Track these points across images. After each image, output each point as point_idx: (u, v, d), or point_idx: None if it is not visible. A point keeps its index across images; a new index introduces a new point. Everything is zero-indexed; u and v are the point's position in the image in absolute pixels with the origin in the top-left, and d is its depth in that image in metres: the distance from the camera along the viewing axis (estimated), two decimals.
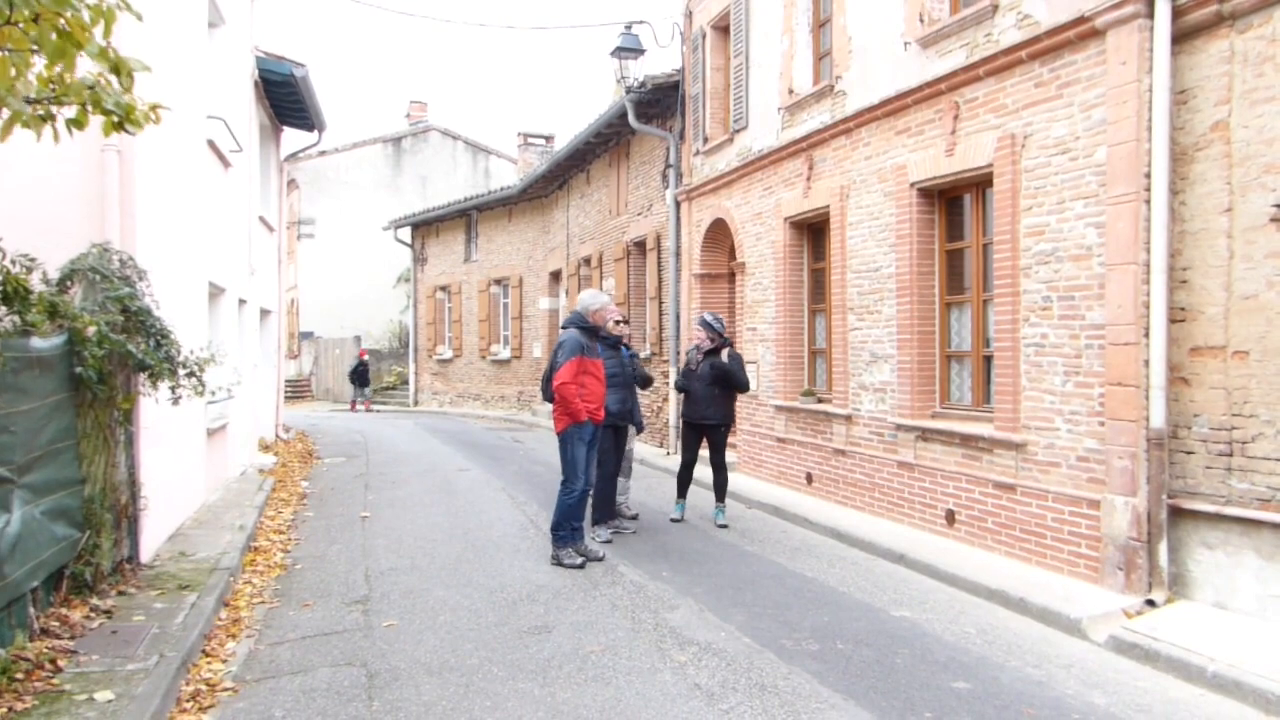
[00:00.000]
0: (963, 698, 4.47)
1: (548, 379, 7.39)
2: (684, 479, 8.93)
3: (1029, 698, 4.48)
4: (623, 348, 8.20)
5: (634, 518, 8.61)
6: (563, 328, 7.43)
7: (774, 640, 5.23)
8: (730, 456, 9.68)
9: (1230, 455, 5.41)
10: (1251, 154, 5.27)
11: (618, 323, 7.98)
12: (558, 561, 6.98)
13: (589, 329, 7.16)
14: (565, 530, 7.03)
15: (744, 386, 8.74)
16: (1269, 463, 5.19)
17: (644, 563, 7.05)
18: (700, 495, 9.39)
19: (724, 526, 8.45)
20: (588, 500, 7.29)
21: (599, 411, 7.08)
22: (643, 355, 15.34)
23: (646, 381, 8.70)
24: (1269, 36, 5.18)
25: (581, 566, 6.86)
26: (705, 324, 8.75)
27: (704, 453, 8.89)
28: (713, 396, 8.54)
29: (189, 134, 8.28)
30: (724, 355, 8.56)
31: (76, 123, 3.30)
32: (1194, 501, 5.61)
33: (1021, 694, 4.54)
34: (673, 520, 8.69)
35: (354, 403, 26.40)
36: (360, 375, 26.35)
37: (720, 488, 8.72)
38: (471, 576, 6.65)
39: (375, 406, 26.49)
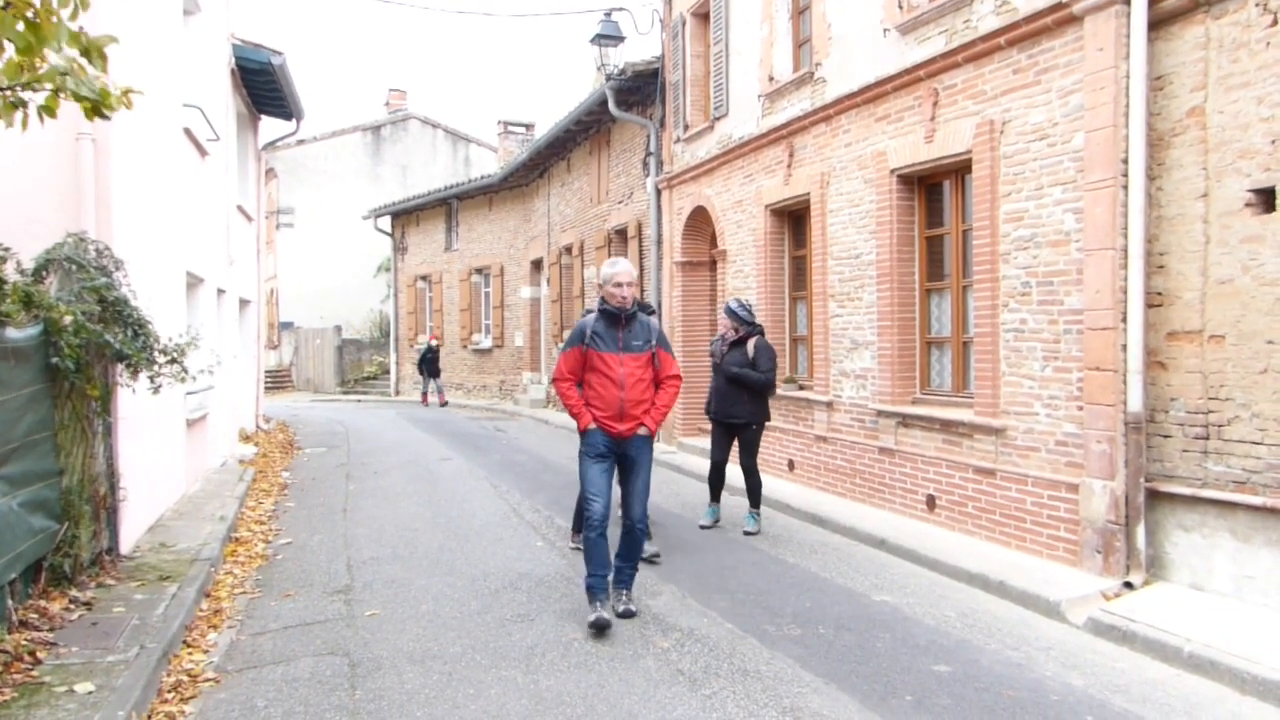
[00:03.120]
0: (943, 680, 4.51)
1: None
2: (714, 481, 7.98)
3: (1008, 680, 4.53)
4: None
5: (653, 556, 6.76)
6: (587, 312, 6.07)
7: (756, 626, 5.26)
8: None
9: (1206, 438, 5.47)
10: (1227, 139, 5.32)
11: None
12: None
13: (611, 312, 5.48)
14: (591, 572, 5.33)
15: (760, 387, 7.65)
16: (1244, 445, 5.25)
17: None
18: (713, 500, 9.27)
19: (752, 534, 7.59)
20: (604, 534, 5.37)
21: (613, 420, 5.37)
22: None
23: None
24: (1244, 22, 5.21)
25: (596, 629, 5.11)
26: (730, 311, 7.80)
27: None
28: (737, 392, 7.66)
29: (165, 122, 8.19)
30: (750, 347, 7.68)
31: (47, 109, 3.26)
32: (1171, 484, 5.67)
33: (1001, 676, 4.59)
34: (701, 527, 7.85)
35: (425, 395, 22.89)
36: (430, 363, 22.69)
37: (752, 492, 7.80)
38: (454, 565, 6.65)
39: (357, 396, 26.31)
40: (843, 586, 6.14)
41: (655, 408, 5.50)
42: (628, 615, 5.36)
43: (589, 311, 6.05)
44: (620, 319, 5.47)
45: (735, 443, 7.85)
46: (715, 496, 8.02)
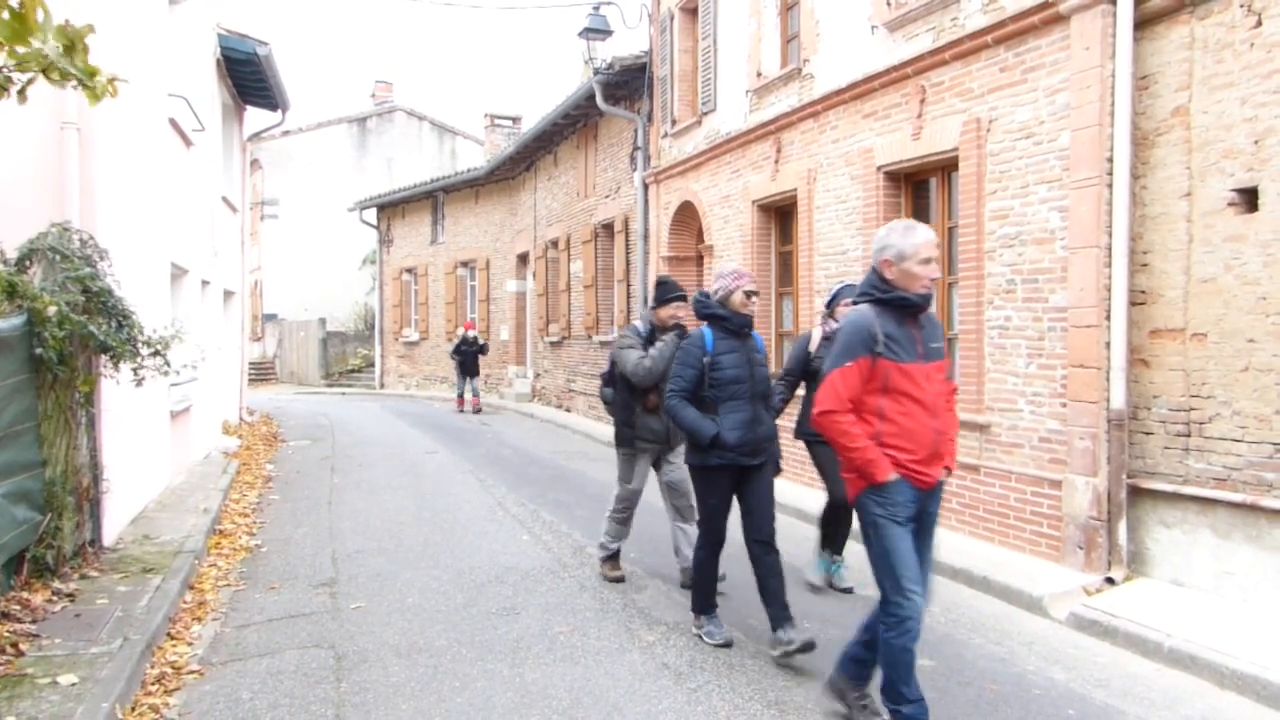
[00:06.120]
0: (927, 675, 4.53)
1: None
2: (835, 522, 5.99)
3: (991, 674, 4.57)
4: (755, 335, 5.08)
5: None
6: (696, 312, 5.01)
7: (742, 620, 5.27)
8: None
9: (1188, 436, 5.52)
10: (1211, 139, 5.36)
11: (748, 295, 4.90)
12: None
13: (906, 303, 3.67)
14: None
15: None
16: (1225, 443, 5.31)
17: None
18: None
19: (851, 591, 5.88)
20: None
21: (924, 465, 3.66)
22: (610, 339, 15.34)
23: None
24: (1228, 23, 5.26)
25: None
26: (837, 298, 5.89)
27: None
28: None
29: (150, 112, 8.13)
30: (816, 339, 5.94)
31: (30, 81, 3.27)
32: (1153, 481, 5.73)
33: (984, 670, 4.63)
34: (815, 587, 5.96)
35: (460, 398, 18.92)
36: (469, 359, 18.65)
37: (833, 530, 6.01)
38: (439, 559, 6.64)
39: (341, 389, 26.19)
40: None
41: (949, 436, 3.83)
42: None
43: (705, 304, 4.87)
44: (914, 314, 3.71)
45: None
46: (836, 544, 5.99)
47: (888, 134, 7.92)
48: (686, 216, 12.58)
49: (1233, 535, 5.28)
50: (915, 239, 3.64)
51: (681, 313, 5.76)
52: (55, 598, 5.13)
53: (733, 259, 10.85)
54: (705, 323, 4.92)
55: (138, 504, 7.47)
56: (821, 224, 8.96)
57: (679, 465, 5.82)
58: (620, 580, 6.05)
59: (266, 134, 18.47)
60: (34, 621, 4.74)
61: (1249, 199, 5.19)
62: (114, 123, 6.71)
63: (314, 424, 16.21)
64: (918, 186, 8.05)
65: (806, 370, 5.81)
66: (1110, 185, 5.82)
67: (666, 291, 5.85)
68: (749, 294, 4.85)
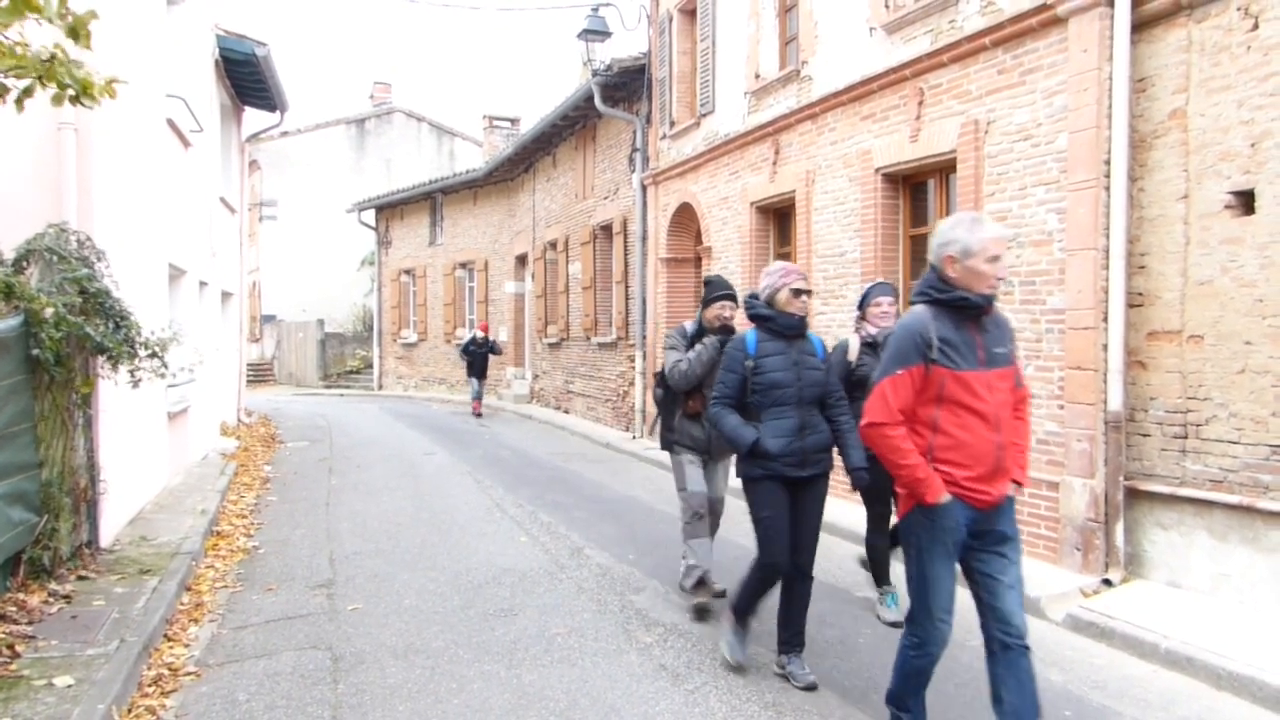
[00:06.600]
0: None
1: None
2: (885, 556, 5.51)
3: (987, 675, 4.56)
4: (811, 336, 4.65)
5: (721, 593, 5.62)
6: (746, 314, 4.65)
7: None
8: None
9: (1185, 438, 5.53)
10: (1208, 142, 5.37)
11: (796, 293, 4.50)
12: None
13: (967, 303, 3.33)
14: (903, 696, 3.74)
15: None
16: (1221, 444, 5.31)
17: (610, 546, 7.07)
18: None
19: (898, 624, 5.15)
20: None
21: (983, 483, 3.33)
22: (608, 340, 15.35)
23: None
24: (1225, 26, 5.26)
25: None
26: (892, 293, 5.48)
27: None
28: None
29: (148, 113, 8.13)
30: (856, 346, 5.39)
31: (27, 92, 3.26)
32: (1149, 483, 5.73)
33: (980, 672, 4.58)
34: (893, 624, 5.25)
35: (477, 400, 17.94)
36: (478, 359, 17.77)
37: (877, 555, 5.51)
38: (437, 560, 6.64)
39: (339, 390, 26.16)
40: (827, 584, 6.15)
41: (1019, 448, 3.52)
42: None
43: (752, 304, 4.52)
44: (977, 316, 3.38)
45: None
46: (886, 576, 5.49)
47: (886, 136, 7.93)
48: (685, 218, 12.59)
49: (1229, 537, 5.28)
50: (983, 234, 3.31)
51: (728, 312, 5.45)
52: (51, 599, 5.12)
53: (731, 261, 10.86)
54: (754, 324, 4.58)
55: (135, 505, 7.46)
56: (820, 226, 8.97)
57: (719, 484, 5.64)
58: (704, 611, 5.35)
59: (265, 135, 18.46)
60: (30, 623, 4.73)
61: (1246, 202, 5.20)
62: (112, 123, 6.71)
63: (312, 425, 16.20)
64: (916, 188, 8.06)
65: (849, 381, 5.19)
66: (1108, 187, 5.83)
67: (712, 291, 5.54)
68: (797, 292, 4.45)
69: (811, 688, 4.33)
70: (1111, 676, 4.60)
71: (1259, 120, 5.09)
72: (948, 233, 3.37)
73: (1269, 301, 5.06)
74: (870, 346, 5.21)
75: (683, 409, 5.57)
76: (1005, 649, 3.36)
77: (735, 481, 4.80)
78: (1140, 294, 5.79)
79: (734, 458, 4.71)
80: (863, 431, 3.46)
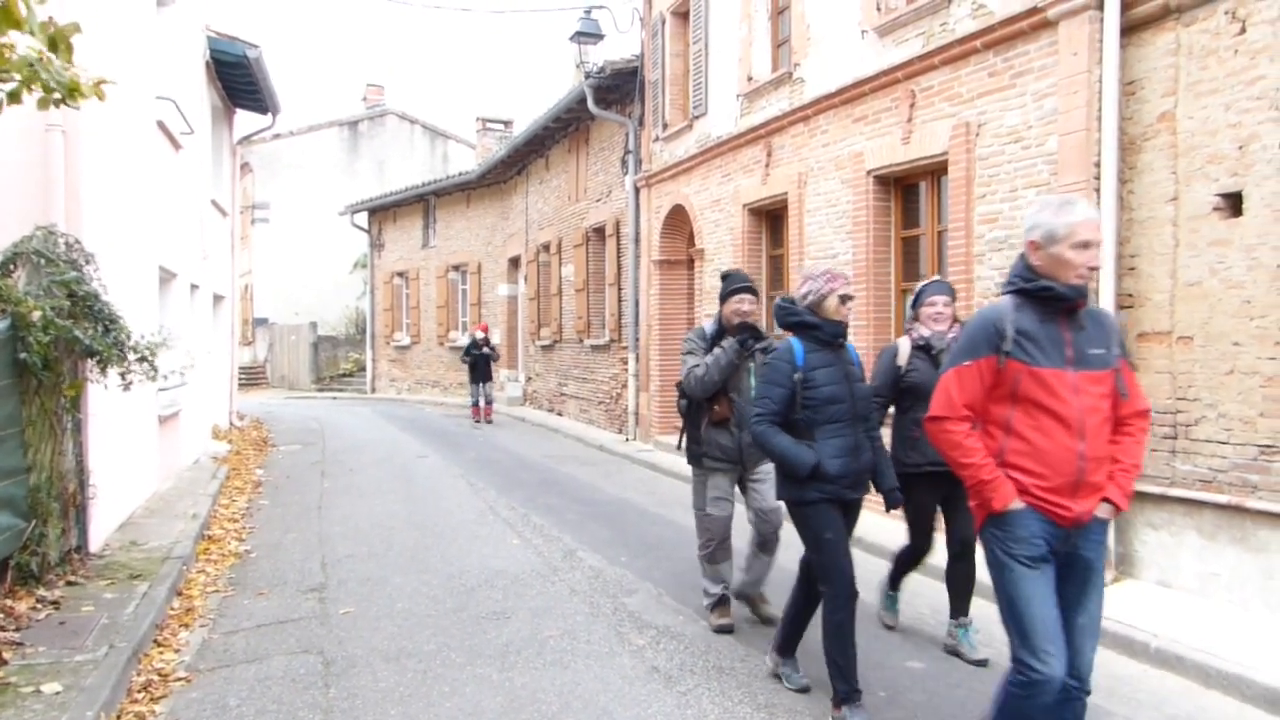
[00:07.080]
0: (916, 676, 4.55)
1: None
2: (908, 567, 5.29)
3: (979, 675, 4.57)
4: (848, 346, 4.29)
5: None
6: (779, 320, 4.29)
7: (735, 619, 5.26)
8: None
9: (1175, 438, 5.55)
10: (1196, 144, 5.39)
11: (843, 299, 4.17)
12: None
13: (1057, 295, 2.99)
14: None
15: None
16: (1210, 445, 5.33)
17: (603, 548, 7.06)
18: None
19: (984, 661, 4.78)
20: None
21: (1062, 496, 2.98)
22: (601, 343, 15.35)
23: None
24: (1213, 30, 5.29)
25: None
26: (950, 292, 5.04)
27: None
28: None
29: (138, 115, 8.11)
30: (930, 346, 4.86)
31: (13, 96, 3.24)
32: (1140, 483, 5.73)
33: (972, 672, 4.63)
34: (889, 627, 5.32)
35: (476, 406, 16.88)
36: (480, 362, 16.89)
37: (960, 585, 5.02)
38: (429, 563, 6.63)
39: (332, 393, 26.08)
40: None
41: (1123, 467, 3.07)
42: None
43: (791, 310, 4.18)
44: (1067, 310, 3.02)
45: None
46: (962, 599, 5.01)
47: (878, 138, 7.94)
48: (678, 220, 12.60)
49: (1218, 537, 5.30)
50: (1071, 217, 2.97)
51: (747, 306, 5.10)
52: (40, 605, 5.10)
53: (723, 263, 10.86)
54: (791, 333, 4.20)
55: (125, 510, 7.44)
56: (812, 228, 8.98)
57: (766, 493, 5.08)
58: (728, 630, 5.12)
59: (257, 137, 18.44)
60: (18, 629, 4.71)
61: (1233, 204, 5.22)
62: (100, 125, 6.68)
63: (304, 428, 16.16)
64: (907, 190, 8.08)
65: (898, 388, 4.86)
66: (1098, 189, 5.84)
67: (730, 284, 5.15)
68: (844, 298, 4.12)
69: (805, 690, 4.32)
70: (1102, 675, 4.56)
71: (1246, 123, 5.11)
72: (1033, 216, 3.08)
73: (1256, 303, 5.08)
74: (923, 350, 4.83)
75: (708, 417, 5.15)
76: (1064, 695, 2.96)
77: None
78: (1130, 295, 5.80)
79: (770, 470, 4.43)
80: (925, 425, 3.15)
